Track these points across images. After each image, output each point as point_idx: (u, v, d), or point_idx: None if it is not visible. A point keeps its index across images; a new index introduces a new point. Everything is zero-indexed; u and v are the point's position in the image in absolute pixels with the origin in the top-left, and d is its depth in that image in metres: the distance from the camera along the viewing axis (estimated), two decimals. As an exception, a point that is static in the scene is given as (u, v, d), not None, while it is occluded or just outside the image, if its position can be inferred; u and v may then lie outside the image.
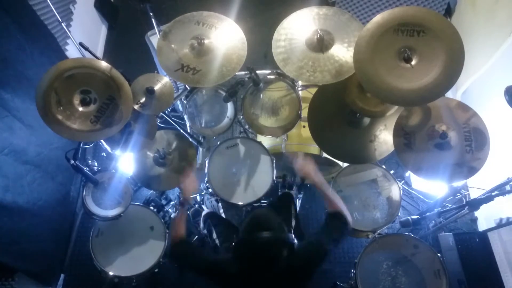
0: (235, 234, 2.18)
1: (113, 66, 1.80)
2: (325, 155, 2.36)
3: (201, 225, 2.50)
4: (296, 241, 1.58)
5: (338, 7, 2.04)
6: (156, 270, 2.32)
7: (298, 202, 2.79)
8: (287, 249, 1.46)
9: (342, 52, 1.86)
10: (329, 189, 1.83)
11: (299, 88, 2.25)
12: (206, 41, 1.97)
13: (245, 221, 1.53)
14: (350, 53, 1.83)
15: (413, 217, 2.12)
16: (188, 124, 2.48)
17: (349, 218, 1.68)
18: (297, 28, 1.94)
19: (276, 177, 2.30)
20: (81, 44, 2.38)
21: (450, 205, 2.57)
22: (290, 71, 1.87)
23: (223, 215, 2.65)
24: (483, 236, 2.55)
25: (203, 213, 2.54)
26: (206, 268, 1.62)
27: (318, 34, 1.86)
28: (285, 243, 1.46)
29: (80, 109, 1.74)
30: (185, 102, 2.35)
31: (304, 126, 2.43)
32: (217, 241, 2.21)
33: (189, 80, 1.94)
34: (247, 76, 2.09)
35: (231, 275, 1.56)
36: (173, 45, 1.97)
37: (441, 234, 2.67)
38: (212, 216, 2.45)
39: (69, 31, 2.63)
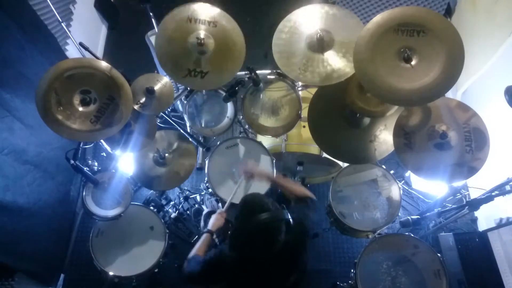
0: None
1: (113, 66, 1.80)
2: (325, 155, 2.36)
3: (202, 223, 2.50)
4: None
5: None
6: (156, 270, 2.32)
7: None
8: (285, 225, 1.49)
9: (337, 58, 1.85)
10: (281, 178, 1.98)
11: (299, 88, 2.25)
12: (206, 41, 1.95)
13: (238, 209, 1.54)
14: (345, 60, 1.83)
15: (413, 217, 2.11)
16: (188, 124, 2.48)
17: (310, 193, 1.86)
18: (301, 24, 1.93)
19: (276, 177, 2.30)
20: (81, 44, 2.38)
21: (450, 205, 2.58)
22: (283, 65, 1.87)
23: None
24: (483, 236, 2.55)
25: (204, 212, 2.54)
26: (204, 268, 1.62)
27: (318, 34, 1.85)
28: (282, 219, 1.49)
29: (80, 109, 1.74)
30: (185, 102, 2.35)
31: (304, 126, 2.43)
32: (217, 240, 2.21)
33: (199, 84, 1.91)
34: (247, 76, 2.09)
35: (230, 265, 1.57)
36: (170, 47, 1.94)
37: (441, 234, 2.67)
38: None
39: (69, 31, 2.63)
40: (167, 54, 1.91)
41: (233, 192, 2.21)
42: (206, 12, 1.94)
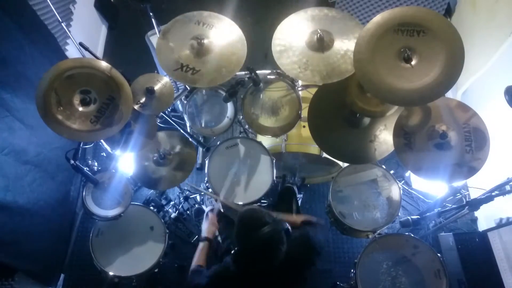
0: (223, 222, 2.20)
1: (113, 66, 1.80)
2: (325, 155, 2.36)
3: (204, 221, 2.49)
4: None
5: (338, 7, 2.04)
6: (156, 270, 2.32)
7: (298, 202, 2.79)
8: (285, 235, 1.50)
9: (338, 56, 1.86)
10: (285, 216, 1.94)
11: (299, 88, 2.25)
12: (205, 41, 1.96)
13: (236, 227, 1.53)
14: (346, 58, 1.84)
15: (413, 217, 2.11)
16: (188, 124, 2.48)
17: (313, 218, 1.90)
18: (300, 25, 1.94)
19: (276, 177, 2.30)
20: (81, 44, 2.38)
21: (450, 205, 2.57)
22: (282, 64, 1.88)
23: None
24: (483, 236, 2.55)
25: (206, 210, 2.54)
26: (210, 281, 1.63)
27: (318, 34, 1.86)
28: (282, 230, 1.49)
29: (80, 109, 1.74)
30: (185, 102, 2.35)
31: (304, 126, 2.43)
32: (219, 238, 2.22)
33: (188, 79, 1.93)
34: (247, 76, 2.09)
35: (236, 279, 1.58)
36: (171, 43, 1.97)
37: (441, 234, 2.67)
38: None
39: (69, 31, 2.63)
40: (166, 47, 1.95)
41: (223, 193, 2.21)
42: (216, 20, 2.01)
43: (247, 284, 1.58)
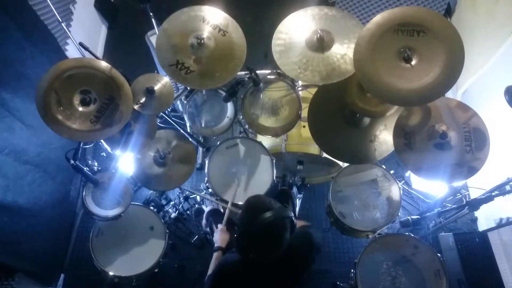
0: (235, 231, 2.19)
1: (113, 66, 1.80)
2: (325, 155, 2.36)
3: (204, 222, 2.50)
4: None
5: (338, 7, 2.04)
6: (156, 270, 2.31)
7: (298, 202, 2.79)
8: (289, 223, 1.50)
9: (338, 57, 1.85)
10: None
11: (299, 88, 2.25)
12: (206, 41, 1.95)
13: (242, 212, 1.54)
14: (346, 58, 1.84)
15: (413, 217, 2.11)
16: (188, 124, 2.48)
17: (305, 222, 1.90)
18: (300, 25, 1.94)
19: (276, 177, 2.30)
20: (81, 44, 2.38)
21: (450, 205, 2.58)
22: (282, 65, 1.87)
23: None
24: (483, 236, 2.55)
25: (206, 210, 2.54)
26: (213, 282, 1.63)
27: (318, 34, 1.86)
28: (287, 217, 1.49)
29: (80, 109, 1.74)
30: (185, 102, 2.35)
31: (304, 126, 2.43)
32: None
33: (180, 79, 1.90)
34: (247, 76, 2.09)
35: (236, 272, 1.59)
36: (165, 26, 1.92)
37: (441, 234, 2.67)
38: (215, 213, 2.45)
39: (69, 31, 2.63)
40: (167, 39, 1.92)
41: (232, 200, 2.20)
42: (221, 19, 1.96)
43: (248, 275, 1.59)
